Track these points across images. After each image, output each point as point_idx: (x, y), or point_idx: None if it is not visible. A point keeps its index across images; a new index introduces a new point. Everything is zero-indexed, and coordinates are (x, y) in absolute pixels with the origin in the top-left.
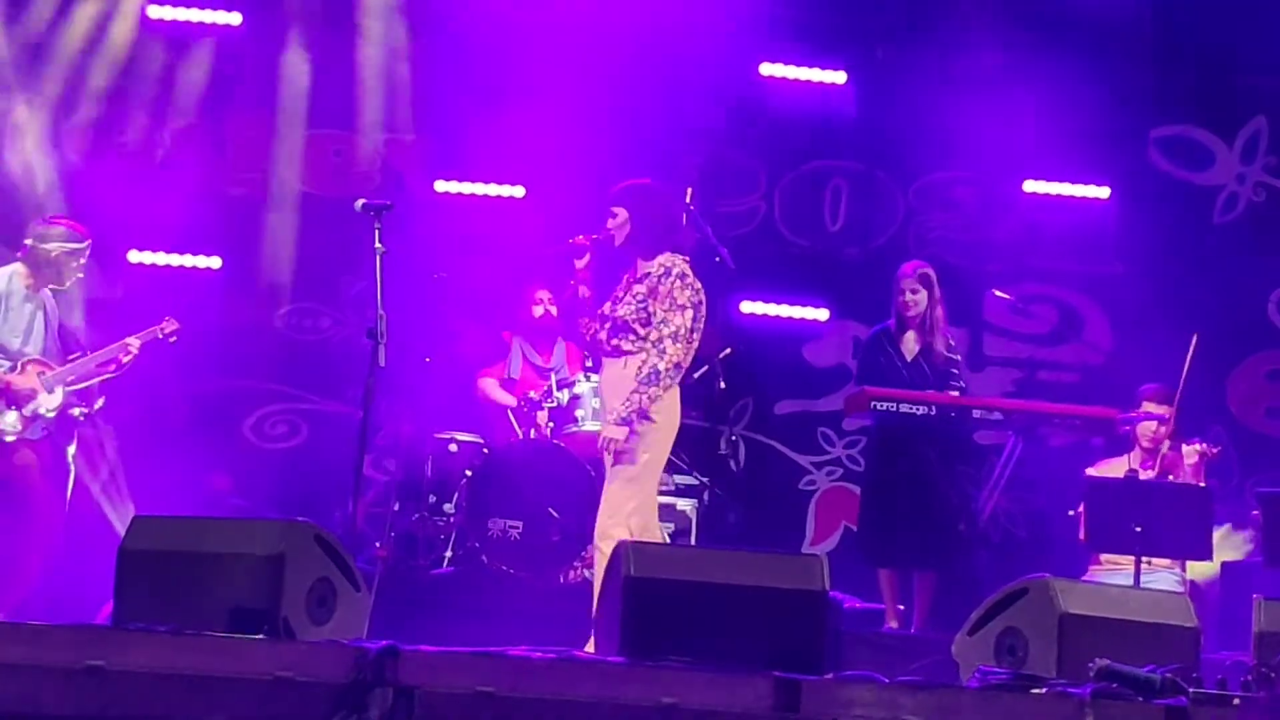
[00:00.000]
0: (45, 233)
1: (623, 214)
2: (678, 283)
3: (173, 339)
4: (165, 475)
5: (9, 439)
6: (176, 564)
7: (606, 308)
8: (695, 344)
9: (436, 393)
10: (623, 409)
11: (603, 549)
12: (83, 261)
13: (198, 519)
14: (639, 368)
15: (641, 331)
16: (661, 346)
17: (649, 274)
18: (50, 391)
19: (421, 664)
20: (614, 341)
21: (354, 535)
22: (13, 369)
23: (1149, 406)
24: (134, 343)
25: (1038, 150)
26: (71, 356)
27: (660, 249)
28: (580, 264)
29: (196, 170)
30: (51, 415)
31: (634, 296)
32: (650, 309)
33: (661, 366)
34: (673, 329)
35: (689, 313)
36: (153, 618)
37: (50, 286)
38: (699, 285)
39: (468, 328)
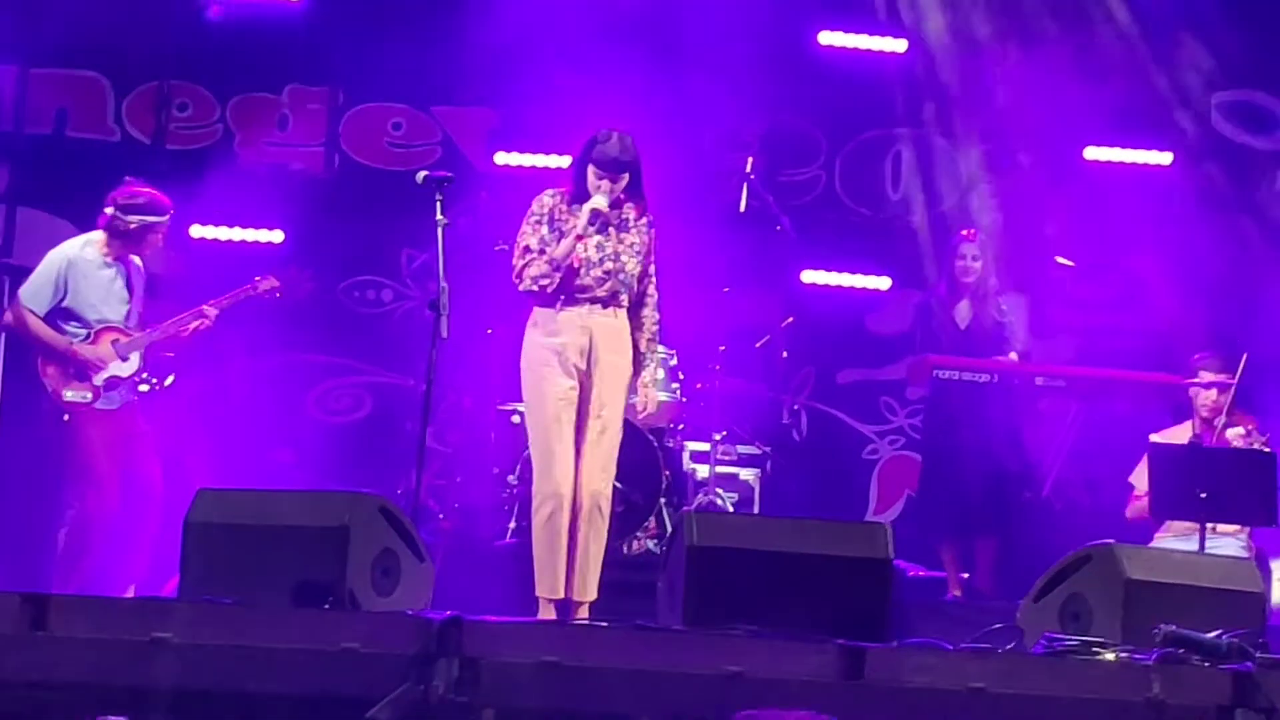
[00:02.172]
0: (126, 204)
1: (626, 176)
2: (653, 236)
3: (275, 295)
4: (229, 449)
5: (75, 406)
6: (241, 537)
7: (593, 254)
8: None
9: (499, 364)
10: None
11: (604, 510)
12: (162, 233)
13: (262, 492)
14: (649, 328)
15: (637, 287)
16: (654, 300)
17: (627, 220)
18: (124, 359)
19: (486, 634)
20: (621, 295)
21: (417, 507)
22: (86, 338)
23: (1205, 375)
24: (211, 311)
25: (1099, 117)
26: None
27: (645, 199)
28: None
29: (258, 144)
30: (129, 376)
31: (632, 249)
32: (645, 265)
33: (657, 321)
34: (655, 282)
35: None
36: (218, 590)
37: (133, 255)
38: None
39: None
